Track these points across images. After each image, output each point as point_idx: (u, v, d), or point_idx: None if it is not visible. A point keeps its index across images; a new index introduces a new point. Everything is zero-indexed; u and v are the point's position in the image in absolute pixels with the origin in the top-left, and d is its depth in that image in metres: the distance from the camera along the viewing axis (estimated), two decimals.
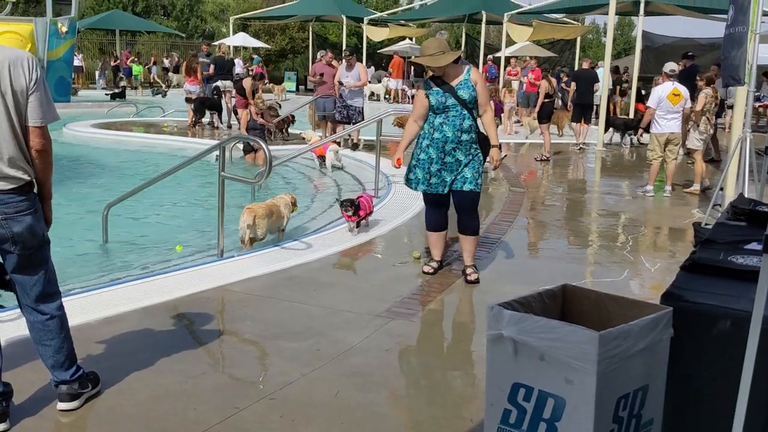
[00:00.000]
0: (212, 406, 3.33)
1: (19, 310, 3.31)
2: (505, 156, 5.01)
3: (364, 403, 3.43)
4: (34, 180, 3.00)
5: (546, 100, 12.72)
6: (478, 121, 5.30)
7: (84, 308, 4.39)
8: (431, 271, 5.50)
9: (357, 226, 6.66)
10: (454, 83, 5.17)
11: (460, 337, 4.36)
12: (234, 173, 7.79)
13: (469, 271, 5.41)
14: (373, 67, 29.00)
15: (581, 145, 14.14)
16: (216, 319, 4.52)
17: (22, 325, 3.47)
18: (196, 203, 8.82)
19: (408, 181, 5.43)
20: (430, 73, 5.34)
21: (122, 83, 21.93)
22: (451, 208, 5.46)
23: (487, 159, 5.38)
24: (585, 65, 15.50)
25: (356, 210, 6.55)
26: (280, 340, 4.20)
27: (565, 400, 2.13)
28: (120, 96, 16.27)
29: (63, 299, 3.26)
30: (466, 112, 5.15)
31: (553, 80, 12.97)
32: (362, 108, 12.87)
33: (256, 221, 6.28)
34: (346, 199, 6.75)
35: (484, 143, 5.31)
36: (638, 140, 14.23)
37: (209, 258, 5.98)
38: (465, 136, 5.16)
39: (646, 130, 9.82)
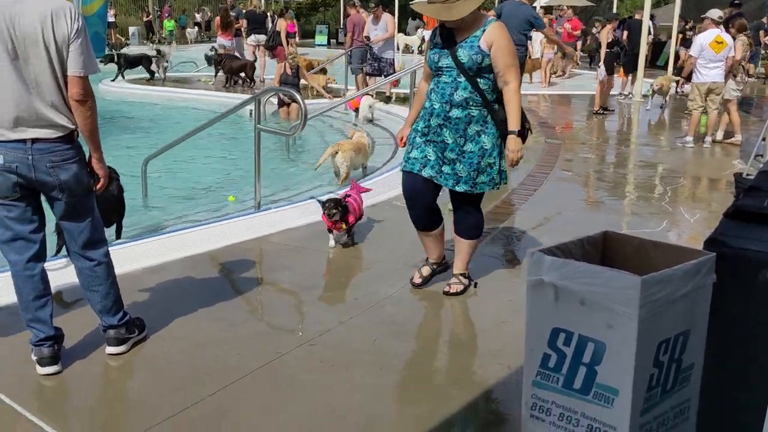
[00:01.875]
0: (253, 352, 3.41)
1: (66, 258, 3.41)
2: (521, 154, 3.82)
3: (400, 351, 3.48)
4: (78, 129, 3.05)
5: (608, 50, 12.47)
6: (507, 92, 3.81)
7: (127, 258, 4.49)
8: (419, 281, 4.26)
9: (348, 234, 4.99)
10: (460, 39, 3.82)
11: (496, 288, 4.35)
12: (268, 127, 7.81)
13: (452, 280, 4.19)
14: (416, 19, 28.44)
15: (627, 95, 14.08)
16: (255, 269, 4.60)
17: (70, 273, 3.58)
18: (231, 156, 8.89)
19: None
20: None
21: (157, 46, 21.52)
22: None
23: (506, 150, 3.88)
24: (638, 16, 15.33)
25: (343, 214, 4.90)
26: (317, 289, 4.27)
27: (606, 344, 2.14)
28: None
29: None
30: (462, 79, 3.77)
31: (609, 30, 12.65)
32: (393, 60, 12.74)
33: (344, 155, 6.88)
34: (329, 198, 4.98)
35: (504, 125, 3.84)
36: (680, 90, 13.95)
37: (247, 210, 6.05)
38: (456, 112, 3.80)
39: (688, 79, 9.57)
